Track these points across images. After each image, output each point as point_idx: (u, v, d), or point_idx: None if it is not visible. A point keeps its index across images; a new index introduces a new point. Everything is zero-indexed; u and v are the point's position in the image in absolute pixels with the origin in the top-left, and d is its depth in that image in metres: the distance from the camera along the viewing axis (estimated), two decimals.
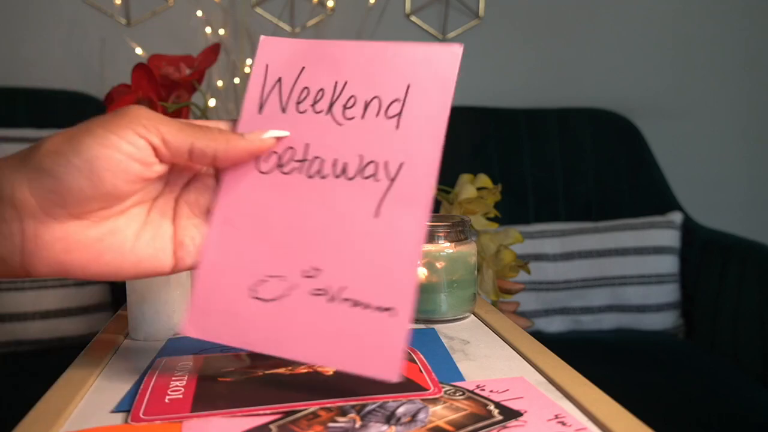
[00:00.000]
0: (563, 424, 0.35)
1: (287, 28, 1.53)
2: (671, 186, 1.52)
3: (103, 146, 0.34)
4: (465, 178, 0.80)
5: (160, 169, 0.37)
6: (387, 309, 0.36)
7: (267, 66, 0.41)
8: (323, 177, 0.39)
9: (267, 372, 0.42)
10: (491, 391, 0.39)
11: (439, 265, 0.55)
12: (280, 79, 0.41)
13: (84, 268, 0.36)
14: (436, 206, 0.85)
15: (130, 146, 0.34)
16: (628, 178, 1.49)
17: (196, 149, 0.36)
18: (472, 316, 0.58)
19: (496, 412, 0.37)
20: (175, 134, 0.36)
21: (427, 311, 0.56)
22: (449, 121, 0.39)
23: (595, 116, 1.55)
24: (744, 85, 1.72)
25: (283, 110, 0.40)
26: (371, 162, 0.38)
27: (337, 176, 0.39)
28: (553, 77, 1.65)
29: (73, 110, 1.34)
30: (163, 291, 0.51)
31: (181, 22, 1.49)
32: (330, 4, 1.51)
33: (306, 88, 0.41)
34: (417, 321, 0.56)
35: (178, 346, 0.50)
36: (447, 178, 0.86)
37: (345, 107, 0.40)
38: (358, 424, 0.35)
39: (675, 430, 0.93)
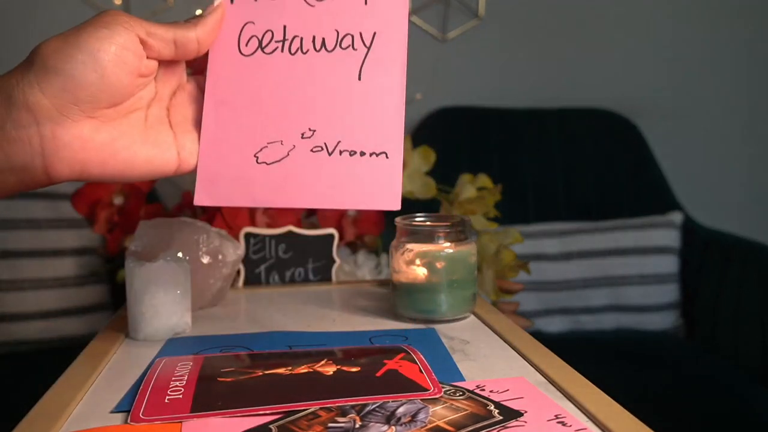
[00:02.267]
0: (563, 424, 0.35)
1: None
2: (671, 186, 1.52)
3: (100, 39, 0.36)
4: (465, 178, 0.80)
5: (150, 64, 0.40)
6: (381, 153, 0.42)
7: None
8: (305, 52, 0.43)
9: (267, 372, 0.42)
10: (491, 391, 0.39)
11: (439, 265, 0.55)
12: None
13: (102, 165, 0.38)
14: (436, 206, 0.85)
15: (120, 37, 0.37)
16: (628, 178, 1.49)
17: (179, 37, 0.40)
18: (472, 316, 0.58)
19: (496, 412, 0.37)
20: (158, 27, 0.39)
21: (427, 311, 0.56)
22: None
23: (595, 116, 1.54)
24: (744, 85, 1.72)
25: None
26: (347, 34, 0.43)
27: (318, 50, 0.43)
28: (553, 77, 1.65)
29: None
30: (162, 291, 0.51)
31: None
32: None
33: None
34: (417, 321, 0.56)
35: (178, 346, 0.50)
36: (447, 178, 0.86)
37: None
38: (358, 424, 0.35)
39: (674, 429, 0.93)
